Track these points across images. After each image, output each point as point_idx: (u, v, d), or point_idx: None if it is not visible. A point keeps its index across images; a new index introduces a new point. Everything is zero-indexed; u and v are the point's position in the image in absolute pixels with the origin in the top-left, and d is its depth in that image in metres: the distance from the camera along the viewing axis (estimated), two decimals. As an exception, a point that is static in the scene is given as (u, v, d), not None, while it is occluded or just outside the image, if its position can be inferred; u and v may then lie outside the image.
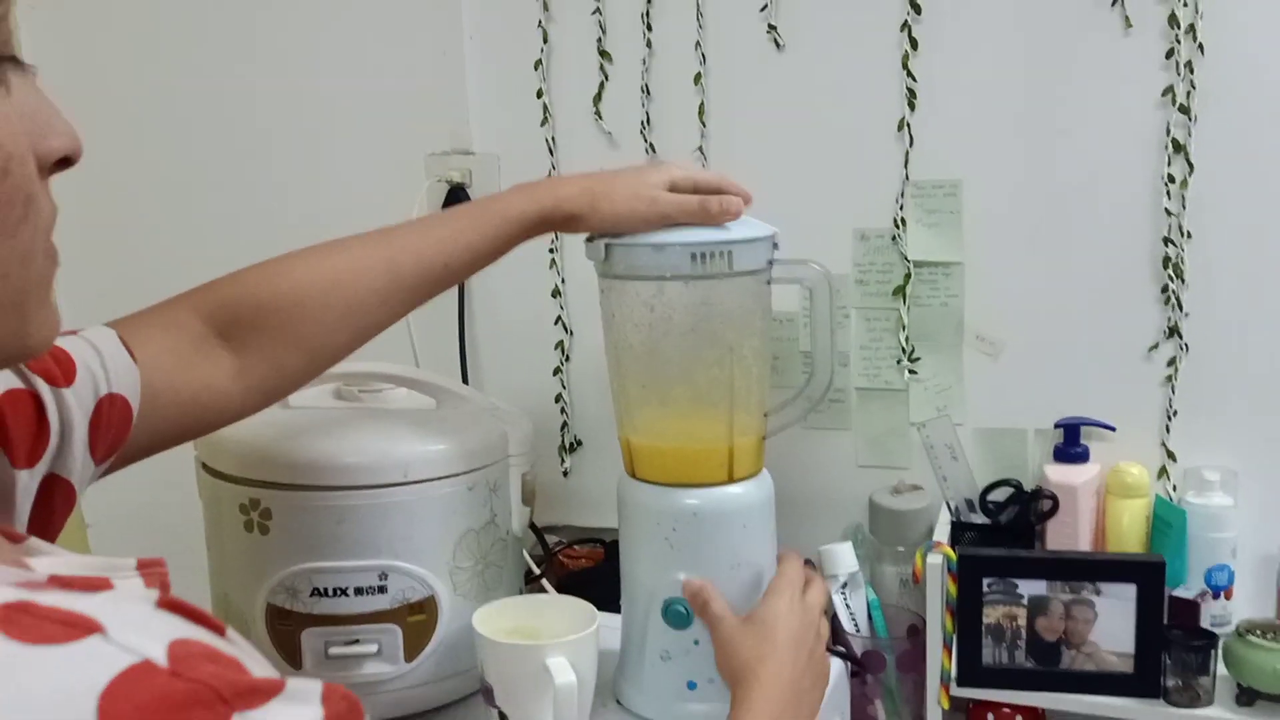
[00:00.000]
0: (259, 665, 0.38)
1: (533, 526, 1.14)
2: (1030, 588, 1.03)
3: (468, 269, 0.80)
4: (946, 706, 1.06)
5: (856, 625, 1.15)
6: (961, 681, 1.05)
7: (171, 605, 0.38)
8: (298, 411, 0.93)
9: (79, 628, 0.34)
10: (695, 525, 0.86)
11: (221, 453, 0.88)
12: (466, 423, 0.92)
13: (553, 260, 1.34)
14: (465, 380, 1.33)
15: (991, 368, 1.20)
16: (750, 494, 0.88)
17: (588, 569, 1.31)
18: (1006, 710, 1.12)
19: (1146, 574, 1.00)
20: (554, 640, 0.81)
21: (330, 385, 0.98)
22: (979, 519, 1.15)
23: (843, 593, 1.14)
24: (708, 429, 0.87)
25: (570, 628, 0.85)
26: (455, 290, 1.34)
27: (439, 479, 0.86)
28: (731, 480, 0.87)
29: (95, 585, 0.38)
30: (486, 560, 0.90)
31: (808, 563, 0.94)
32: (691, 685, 0.87)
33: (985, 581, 1.03)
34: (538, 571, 1.14)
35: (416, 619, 0.87)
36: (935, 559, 1.06)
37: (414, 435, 0.88)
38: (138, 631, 0.35)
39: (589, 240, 0.86)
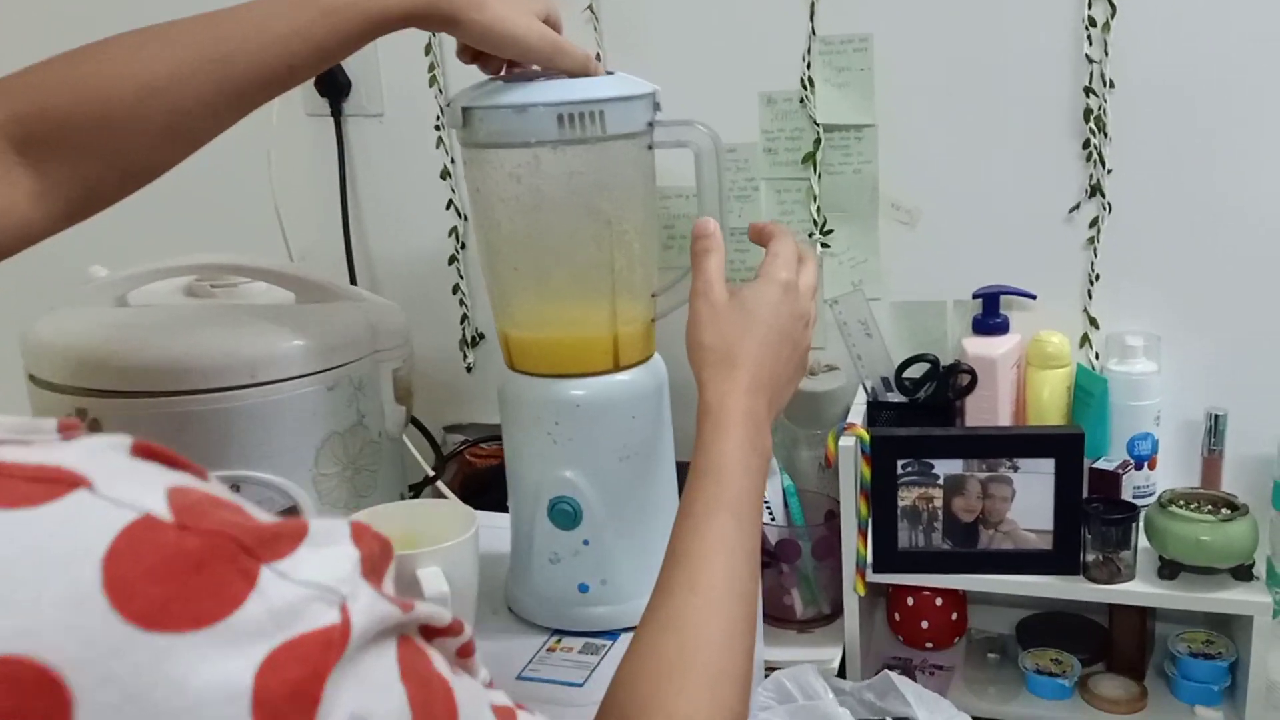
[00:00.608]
0: (257, 510, 0.33)
1: (418, 424, 1.06)
2: (946, 467, 0.98)
3: (313, 70, 0.67)
4: (862, 593, 1.02)
5: (772, 514, 1.10)
6: (878, 567, 1.01)
7: (147, 451, 0.32)
8: (138, 311, 0.84)
9: (60, 483, 0.29)
10: (579, 418, 0.79)
11: (48, 360, 0.79)
12: (327, 317, 0.83)
13: (439, 139, 1.23)
14: (353, 278, 1.23)
15: (908, 238, 1.13)
16: (639, 382, 0.80)
17: (494, 467, 1.24)
18: (926, 593, 1.08)
19: (1064, 446, 0.95)
20: (423, 549, 0.74)
21: (181, 280, 0.89)
22: (896, 398, 1.09)
23: (756, 481, 1.08)
24: (589, 314, 0.79)
25: (447, 534, 0.78)
26: (337, 178, 1.23)
27: (293, 379, 0.78)
28: (618, 368, 0.80)
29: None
30: (356, 465, 0.83)
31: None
32: (583, 588, 0.81)
33: (900, 463, 0.98)
34: (431, 473, 1.07)
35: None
36: (848, 441, 1.00)
37: (265, 332, 0.79)
38: (128, 481, 0.30)
39: (448, 105, 0.76)
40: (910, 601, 1.09)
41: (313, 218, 1.24)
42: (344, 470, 0.82)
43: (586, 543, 0.80)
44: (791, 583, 1.08)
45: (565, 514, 0.80)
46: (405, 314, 0.91)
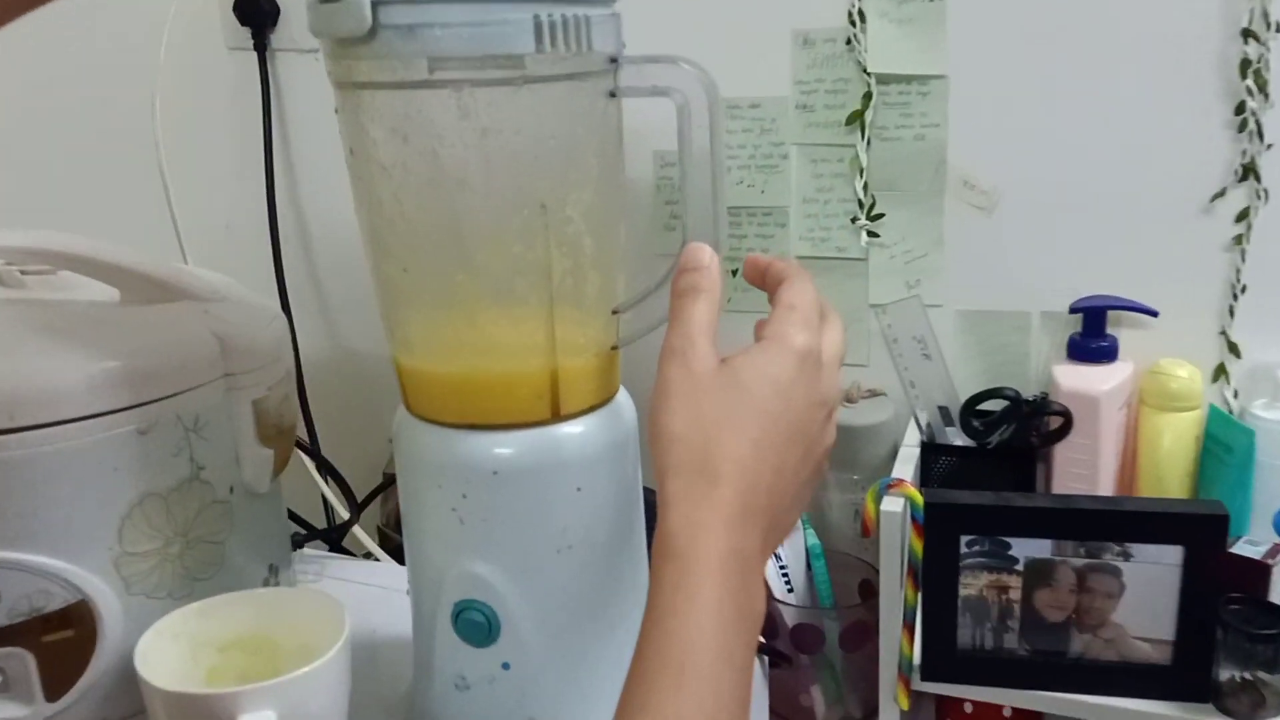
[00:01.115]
0: None
1: (324, 468, 0.81)
2: (1028, 549, 0.71)
3: None
4: (905, 706, 0.76)
5: (790, 583, 0.85)
6: (929, 673, 0.75)
7: None
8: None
9: None
10: (497, 489, 0.53)
11: None
12: (149, 327, 0.58)
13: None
14: (278, 257, 0.98)
15: (984, 227, 0.86)
16: (589, 437, 0.55)
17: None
18: (994, 708, 0.82)
19: (1199, 531, 0.69)
20: (248, 686, 0.50)
21: (-13, 265, 0.64)
22: (960, 440, 0.82)
23: (771, 540, 0.83)
24: (512, 339, 0.53)
25: (309, 640, 0.55)
26: (260, 128, 0.98)
27: (79, 420, 0.53)
28: (557, 417, 0.54)
29: None
30: (189, 537, 0.59)
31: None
32: (503, 725, 0.57)
33: (964, 539, 0.72)
34: (343, 517, 0.82)
35: (58, 637, 0.55)
36: (893, 504, 0.74)
37: (42, 351, 0.55)
38: None
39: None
40: (968, 709, 0.83)
41: (240, 177, 0.99)
42: (167, 546, 0.57)
43: (506, 666, 0.56)
44: (811, 678, 0.82)
45: (475, 625, 0.55)
46: (281, 318, 0.66)
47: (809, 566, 0.86)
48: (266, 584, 0.65)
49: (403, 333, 0.55)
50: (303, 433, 0.90)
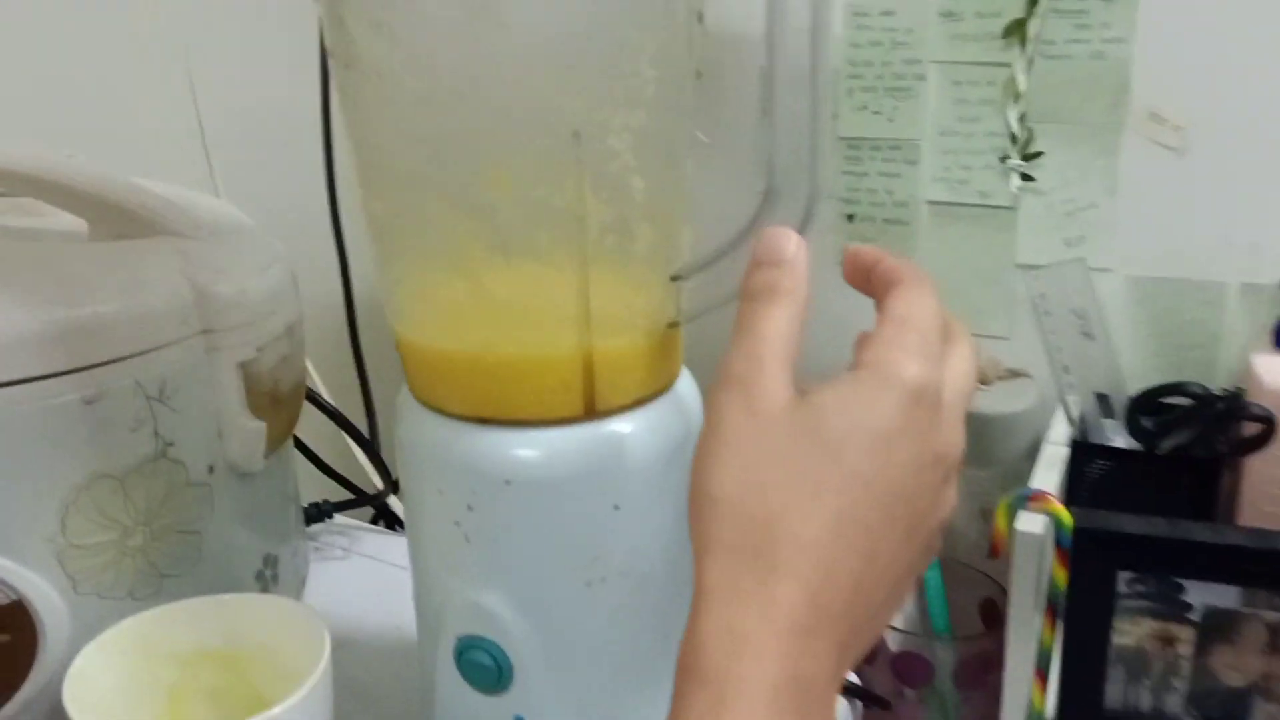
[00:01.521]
0: None
1: (357, 437, 0.70)
2: (1208, 595, 0.56)
3: None
4: (1032, 767, 0.62)
5: (896, 596, 0.70)
6: (1063, 730, 0.60)
7: None
8: None
9: None
10: (510, 502, 0.41)
11: None
12: (106, 268, 0.47)
13: None
14: (336, 213, 0.86)
15: (1172, 173, 0.69)
16: (633, 440, 0.42)
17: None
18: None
19: None
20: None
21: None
22: (1122, 440, 0.66)
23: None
24: (533, 312, 0.40)
25: (286, 665, 0.45)
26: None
27: (3, 385, 0.43)
28: (591, 414, 0.41)
29: None
30: (153, 527, 0.48)
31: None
32: (514, 788, 0.45)
33: (1123, 577, 0.56)
34: (363, 491, 0.72)
35: (-10, 644, 0.46)
36: (1032, 523, 0.59)
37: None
38: None
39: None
40: (1110, 766, 0.69)
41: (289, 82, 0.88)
42: (125, 537, 0.47)
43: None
44: (916, 714, 0.69)
45: (481, 668, 0.43)
46: (288, 259, 0.54)
47: (922, 586, 0.72)
48: (260, 578, 0.54)
49: (398, 297, 0.43)
50: (353, 392, 0.80)
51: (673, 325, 0.43)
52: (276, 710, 0.41)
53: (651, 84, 0.39)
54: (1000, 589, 0.70)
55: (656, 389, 0.44)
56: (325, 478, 0.75)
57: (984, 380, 0.72)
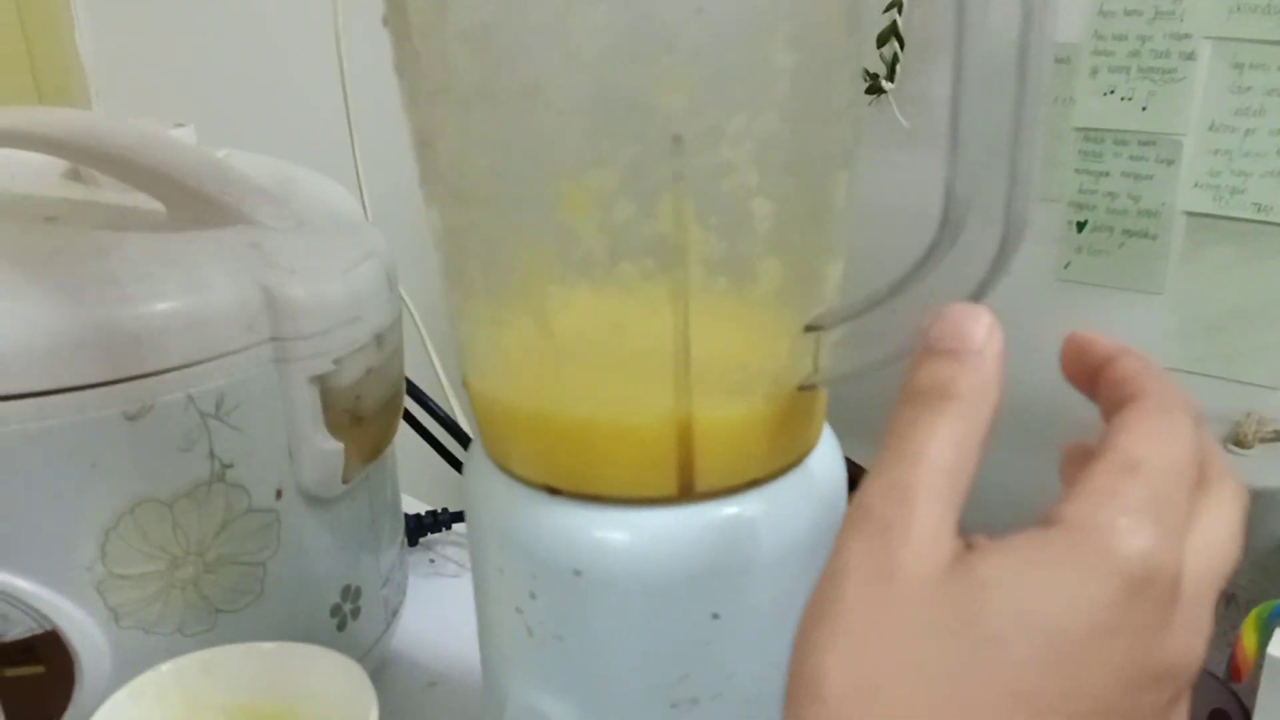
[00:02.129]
0: None
1: (442, 424, 0.63)
2: None
3: None
4: None
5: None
6: None
7: None
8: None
9: None
10: (577, 597, 0.32)
11: None
12: (166, 261, 0.42)
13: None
14: None
15: None
16: (742, 531, 0.32)
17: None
18: None
19: None
20: None
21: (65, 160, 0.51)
22: None
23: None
24: (617, 367, 0.31)
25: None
26: None
27: (34, 396, 0.38)
28: (688, 494, 0.32)
29: None
30: (208, 558, 0.43)
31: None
32: None
33: None
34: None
35: (22, 673, 0.42)
36: (1293, 648, 0.45)
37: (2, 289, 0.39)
38: None
39: None
40: None
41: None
42: (174, 568, 0.42)
43: None
44: None
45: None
46: (388, 254, 0.47)
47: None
48: (336, 613, 0.48)
49: (463, 334, 0.34)
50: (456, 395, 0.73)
51: (806, 387, 0.33)
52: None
53: (786, 76, 0.28)
54: (1235, 699, 0.56)
55: (781, 466, 0.34)
56: (454, 474, 0.69)
57: (1241, 442, 0.57)
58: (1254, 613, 0.47)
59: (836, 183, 0.32)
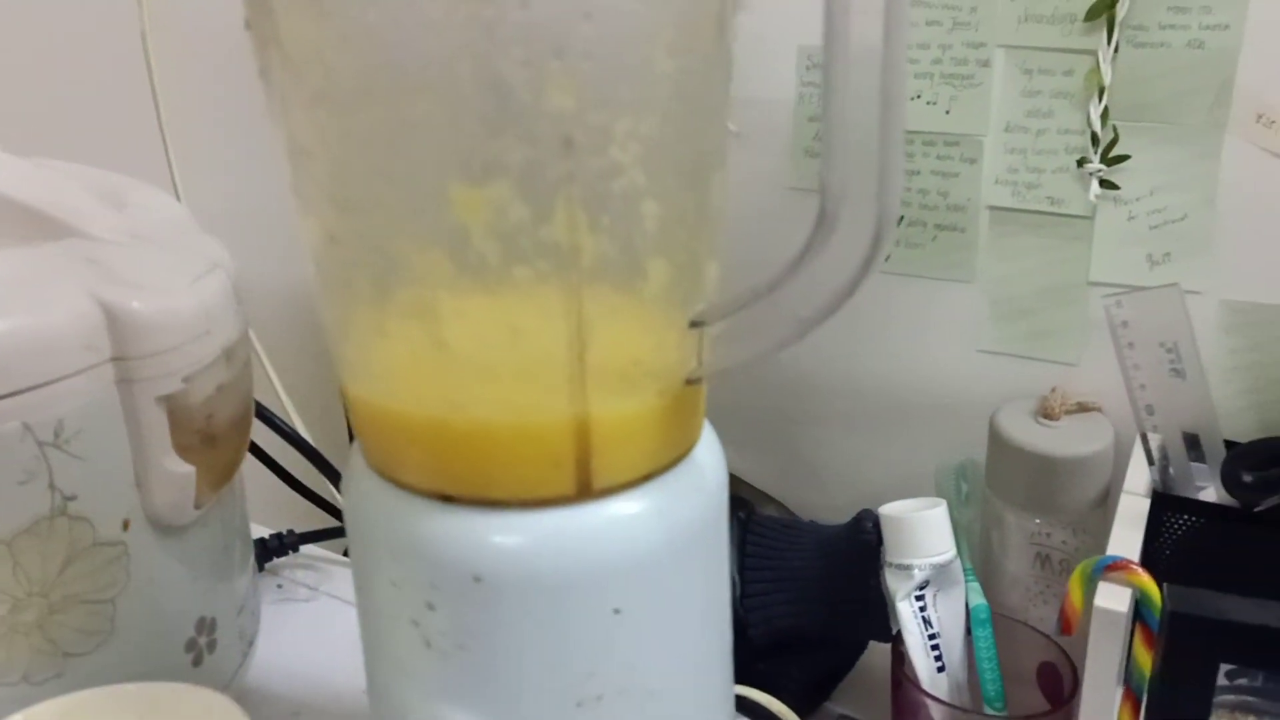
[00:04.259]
0: None
1: (294, 443, 0.61)
2: (1328, 696, 0.46)
3: None
4: None
5: (941, 661, 0.62)
6: (1137, 838, 0.51)
7: None
8: None
9: None
10: (479, 604, 0.32)
11: None
12: None
13: None
14: None
15: (1278, 182, 0.59)
16: (639, 526, 0.33)
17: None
18: None
19: None
20: None
21: None
22: (1212, 494, 0.57)
23: (919, 599, 0.61)
24: (512, 367, 0.31)
25: None
26: None
27: None
28: (586, 493, 0.32)
29: None
30: (52, 599, 0.40)
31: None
32: None
33: (1224, 669, 0.47)
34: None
35: None
36: (1115, 596, 0.50)
37: None
38: None
39: None
40: None
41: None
42: (16, 611, 0.38)
43: None
44: (960, 795, 0.60)
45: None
46: (231, 266, 0.45)
47: (966, 635, 0.62)
48: (192, 647, 0.46)
49: (343, 343, 0.34)
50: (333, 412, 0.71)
51: (691, 382, 0.34)
52: None
53: (669, 79, 0.29)
54: (1062, 653, 0.61)
55: (672, 459, 0.35)
56: (294, 496, 0.67)
57: (1049, 414, 0.62)
58: (1079, 569, 0.52)
59: (713, 183, 0.33)
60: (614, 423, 0.32)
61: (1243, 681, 0.47)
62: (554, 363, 0.31)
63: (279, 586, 0.62)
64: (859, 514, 0.70)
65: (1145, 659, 0.49)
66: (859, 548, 0.69)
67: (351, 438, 0.71)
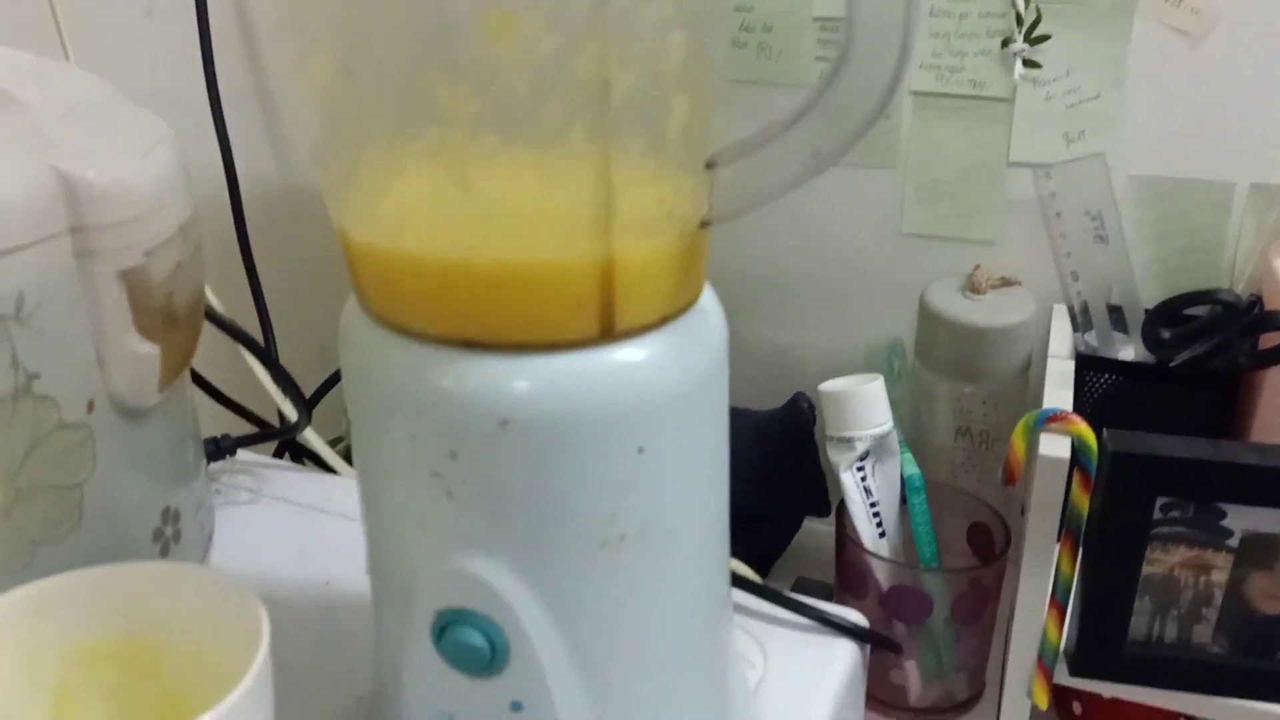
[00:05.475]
0: None
1: (246, 343, 0.59)
2: (1250, 519, 0.51)
3: None
4: (1044, 705, 0.57)
5: (881, 526, 0.64)
6: (1082, 667, 0.56)
7: None
8: None
9: None
10: (504, 449, 0.32)
11: None
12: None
13: None
14: (216, 94, 0.73)
15: (1185, 62, 0.63)
16: (659, 368, 0.33)
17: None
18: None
19: None
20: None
21: None
22: (1131, 353, 0.61)
23: (860, 469, 0.63)
24: (538, 206, 0.31)
25: (208, 654, 0.35)
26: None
27: None
28: (610, 334, 0.32)
29: None
30: (19, 484, 0.37)
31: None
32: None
33: (1160, 502, 0.51)
34: (280, 422, 0.61)
35: None
36: (1056, 445, 0.53)
37: None
38: None
39: None
40: (1108, 693, 0.65)
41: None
42: (-19, 501, 0.36)
43: (518, 708, 0.36)
44: (909, 651, 0.63)
45: (469, 649, 0.35)
46: (169, 143, 0.42)
47: (902, 503, 0.66)
48: (158, 537, 0.44)
49: (350, 188, 0.32)
50: (247, 307, 0.68)
51: (704, 224, 0.34)
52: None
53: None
54: (992, 511, 0.65)
55: (685, 303, 0.35)
56: (217, 409, 0.64)
57: (976, 289, 0.65)
58: (1021, 422, 0.55)
59: (725, 20, 0.33)
60: (637, 264, 0.32)
61: (1175, 514, 0.51)
62: (581, 203, 0.30)
63: (218, 492, 0.59)
64: (794, 396, 0.72)
65: (1083, 501, 0.53)
66: (796, 428, 0.71)
67: (266, 333, 0.69)
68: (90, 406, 0.39)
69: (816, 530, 0.76)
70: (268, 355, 0.58)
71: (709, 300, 0.37)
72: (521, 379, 0.32)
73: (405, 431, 0.33)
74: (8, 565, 0.38)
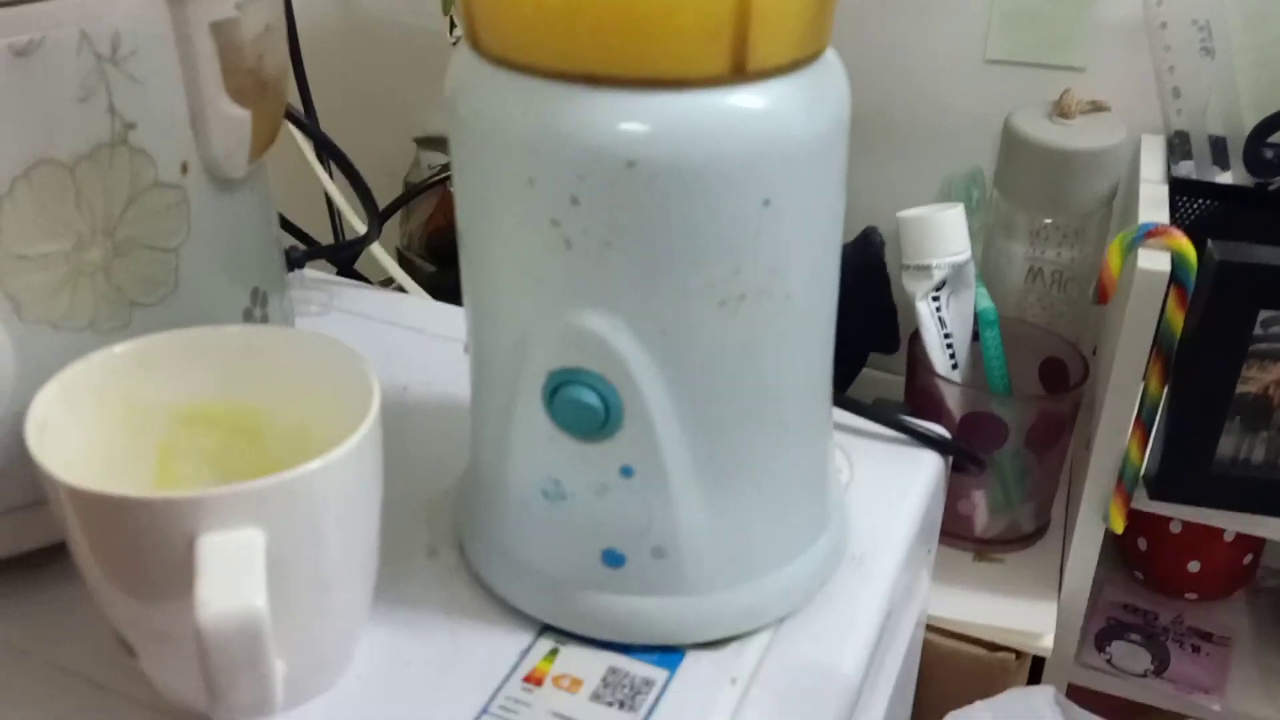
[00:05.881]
0: None
1: (329, 153, 0.58)
2: (1355, 335, 0.50)
3: None
4: (1120, 529, 0.57)
5: (954, 357, 0.63)
6: (1163, 490, 0.55)
7: None
8: None
9: None
10: (629, 192, 0.31)
11: None
12: None
13: None
14: None
15: None
16: (790, 114, 0.32)
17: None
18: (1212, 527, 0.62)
19: None
20: (215, 489, 0.29)
21: None
22: (1230, 176, 0.59)
23: (935, 299, 0.62)
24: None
25: (313, 426, 0.35)
26: None
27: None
28: (740, 73, 0.31)
29: None
30: (118, 238, 0.36)
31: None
32: (613, 558, 0.37)
33: (1261, 316, 0.50)
34: (355, 235, 0.60)
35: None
36: (1155, 259, 0.52)
37: None
38: None
39: None
40: (1176, 529, 0.64)
41: None
42: (81, 249, 0.35)
43: (627, 472, 0.35)
44: (976, 481, 0.63)
45: (582, 408, 0.34)
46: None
47: (975, 340, 0.64)
48: (249, 317, 0.43)
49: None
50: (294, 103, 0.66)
51: (844, -44, 0.32)
52: (314, 465, 0.31)
53: None
54: (1070, 345, 0.63)
55: (815, 49, 0.33)
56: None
57: (1065, 113, 0.62)
58: (1118, 238, 0.53)
59: None
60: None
61: (1276, 329, 0.50)
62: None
63: (286, 303, 0.59)
64: (865, 230, 0.70)
65: (1178, 319, 0.52)
66: (867, 262, 0.69)
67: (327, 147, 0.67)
68: (184, 168, 0.38)
69: (872, 378, 0.75)
70: (345, 160, 0.56)
71: (833, 56, 0.35)
72: (651, 116, 0.30)
73: (525, 176, 0.32)
74: (107, 324, 0.37)
